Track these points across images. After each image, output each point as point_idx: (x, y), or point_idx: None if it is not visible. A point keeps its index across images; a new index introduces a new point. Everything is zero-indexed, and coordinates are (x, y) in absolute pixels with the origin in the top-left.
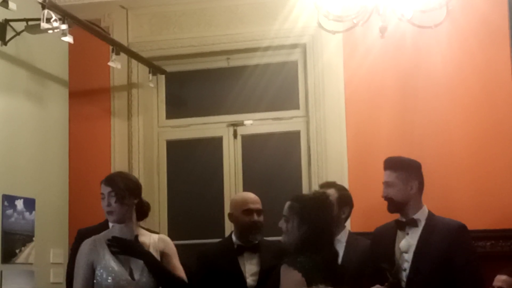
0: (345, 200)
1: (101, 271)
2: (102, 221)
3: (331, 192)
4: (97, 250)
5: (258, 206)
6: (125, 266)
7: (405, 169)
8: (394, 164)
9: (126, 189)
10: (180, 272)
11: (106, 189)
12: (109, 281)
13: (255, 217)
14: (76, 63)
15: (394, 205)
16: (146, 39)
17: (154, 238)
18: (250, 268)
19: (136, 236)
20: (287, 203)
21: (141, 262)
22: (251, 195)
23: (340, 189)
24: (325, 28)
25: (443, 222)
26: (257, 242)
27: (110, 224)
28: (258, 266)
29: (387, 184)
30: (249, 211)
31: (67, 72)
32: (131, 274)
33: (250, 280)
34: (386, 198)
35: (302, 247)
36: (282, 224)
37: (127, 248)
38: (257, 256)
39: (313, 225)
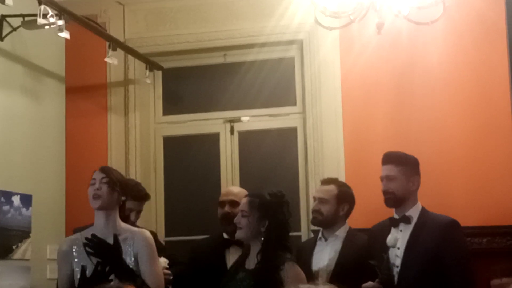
0: (344, 197)
1: (77, 269)
2: None
3: (331, 188)
4: (71, 250)
5: (232, 197)
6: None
7: (407, 164)
8: (397, 159)
9: (118, 181)
10: (150, 278)
11: (99, 175)
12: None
13: (226, 208)
14: (72, 59)
15: (394, 199)
16: (142, 35)
17: (132, 237)
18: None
19: (115, 237)
20: (245, 199)
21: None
22: (228, 188)
23: (340, 185)
24: (321, 25)
25: (434, 218)
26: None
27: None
28: None
29: (388, 178)
30: (222, 203)
31: (64, 68)
32: None
33: None
34: (387, 192)
35: (268, 242)
36: (239, 219)
37: (101, 254)
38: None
39: (273, 219)
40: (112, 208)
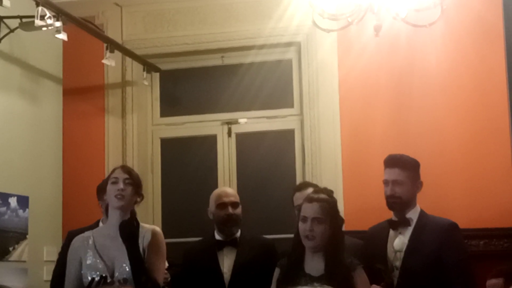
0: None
1: (85, 268)
2: (95, 219)
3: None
4: (84, 247)
5: (233, 199)
6: (108, 263)
7: (413, 168)
8: (403, 163)
9: (140, 183)
10: (156, 272)
11: (122, 175)
12: (89, 278)
13: (230, 210)
14: (70, 60)
15: (400, 204)
16: (140, 37)
17: (143, 231)
18: (228, 263)
19: (138, 223)
20: (315, 204)
21: (122, 259)
22: (225, 189)
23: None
24: (319, 27)
25: (434, 220)
26: (237, 236)
27: (100, 225)
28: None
29: (396, 182)
30: (223, 205)
31: (61, 69)
32: (112, 272)
33: (227, 275)
34: (393, 196)
35: (336, 247)
36: (312, 226)
37: (126, 233)
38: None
39: (338, 221)
40: (130, 208)
